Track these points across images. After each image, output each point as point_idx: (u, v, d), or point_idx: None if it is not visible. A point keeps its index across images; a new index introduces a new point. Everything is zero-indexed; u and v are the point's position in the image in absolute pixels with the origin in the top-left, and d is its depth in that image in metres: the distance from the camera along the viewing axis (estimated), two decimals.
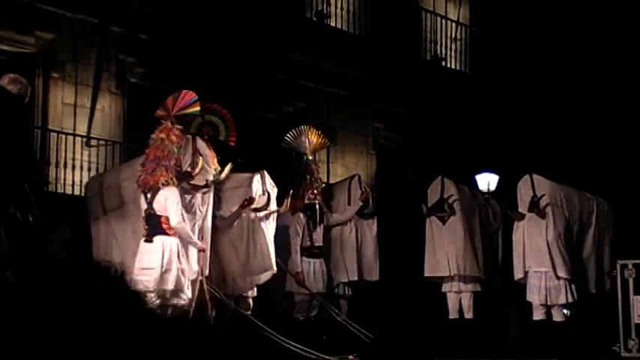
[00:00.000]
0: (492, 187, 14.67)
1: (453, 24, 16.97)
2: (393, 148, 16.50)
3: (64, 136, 11.75)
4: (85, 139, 12.10)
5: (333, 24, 15.03)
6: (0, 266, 5.72)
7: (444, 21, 16.86)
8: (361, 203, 10.59)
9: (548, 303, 10.23)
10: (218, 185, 9.04)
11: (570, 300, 10.27)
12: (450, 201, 10.80)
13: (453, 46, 17.00)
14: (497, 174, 14.78)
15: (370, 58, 15.26)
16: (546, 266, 10.18)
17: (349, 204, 10.69)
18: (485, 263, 10.91)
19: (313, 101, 14.96)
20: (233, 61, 13.45)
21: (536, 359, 9.22)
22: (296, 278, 9.91)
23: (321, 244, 10.18)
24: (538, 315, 10.29)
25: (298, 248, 10.03)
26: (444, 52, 16.84)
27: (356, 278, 10.52)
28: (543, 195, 10.39)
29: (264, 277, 9.46)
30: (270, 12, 13.82)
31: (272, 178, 9.75)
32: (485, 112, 16.21)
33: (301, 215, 10.11)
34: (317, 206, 10.18)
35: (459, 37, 17.03)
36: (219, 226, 9.26)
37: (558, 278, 10.20)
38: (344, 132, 15.52)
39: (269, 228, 9.50)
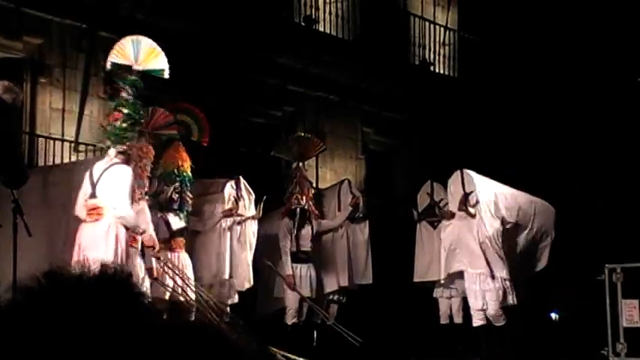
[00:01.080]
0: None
1: (442, 29, 17.01)
2: (383, 153, 16.52)
3: (52, 141, 11.72)
4: (73, 145, 12.06)
5: (321, 29, 15.04)
6: None
7: (432, 26, 16.89)
8: (351, 208, 10.61)
9: (486, 307, 9.92)
10: (193, 189, 9.13)
11: (513, 302, 9.91)
12: (440, 205, 10.77)
13: (442, 51, 17.03)
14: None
15: (359, 62, 15.27)
16: (481, 267, 9.84)
17: (339, 210, 10.71)
18: None
19: (302, 106, 14.96)
20: (222, 66, 13.44)
21: None
22: (287, 281, 9.94)
23: (308, 249, 10.20)
24: (478, 320, 9.98)
25: (288, 251, 10.06)
26: (432, 56, 16.87)
27: (347, 284, 10.54)
28: (472, 191, 10.06)
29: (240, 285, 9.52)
30: (259, 17, 13.82)
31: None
32: (475, 117, 16.24)
33: (287, 220, 10.15)
34: (298, 210, 10.19)
35: (447, 41, 17.07)
36: (198, 228, 9.37)
37: (494, 279, 9.83)
38: (333, 136, 15.52)
39: (240, 235, 9.54)
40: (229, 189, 9.51)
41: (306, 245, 10.21)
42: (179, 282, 8.89)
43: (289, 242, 10.08)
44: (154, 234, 8.18)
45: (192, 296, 9.08)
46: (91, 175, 7.59)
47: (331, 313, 10.39)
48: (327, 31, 15.11)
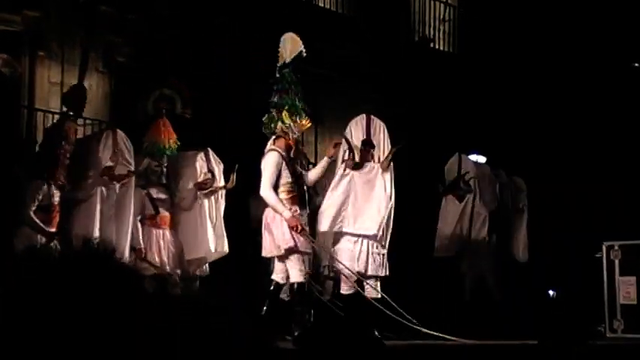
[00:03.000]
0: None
1: (442, 5, 16.95)
2: None
3: (50, 115, 11.69)
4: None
5: (321, 4, 14.99)
6: None
7: (432, 2, 16.83)
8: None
9: (367, 273, 8.76)
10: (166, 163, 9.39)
11: (384, 274, 8.83)
12: (466, 178, 10.52)
13: (442, 28, 16.98)
14: (484, 155, 14.80)
15: (358, 39, 15.23)
16: (372, 230, 8.70)
17: None
18: (503, 243, 10.71)
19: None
20: (220, 40, 13.40)
21: (515, 340, 9.21)
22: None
23: (306, 228, 10.19)
24: (347, 288, 8.87)
25: None
26: (432, 33, 16.82)
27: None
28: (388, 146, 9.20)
29: (211, 256, 9.59)
30: None
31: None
32: (474, 94, 16.21)
33: None
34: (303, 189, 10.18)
35: (447, 18, 17.01)
36: (179, 204, 9.50)
37: (382, 247, 8.77)
38: (332, 113, 15.50)
39: (216, 206, 9.61)
40: (200, 161, 9.60)
41: (304, 224, 10.19)
42: (165, 260, 9.05)
43: None
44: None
45: (179, 272, 9.26)
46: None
47: (327, 288, 10.40)
48: (327, 6, 15.06)
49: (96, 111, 12.39)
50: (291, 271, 8.20)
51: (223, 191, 9.70)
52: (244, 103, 14.11)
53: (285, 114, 8.36)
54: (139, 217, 9.22)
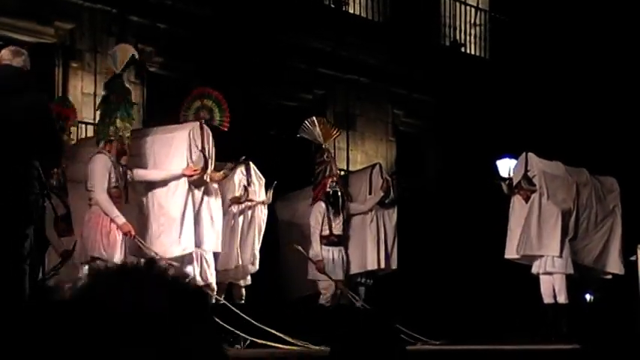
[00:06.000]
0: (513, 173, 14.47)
1: (473, 9, 16.89)
2: (413, 135, 16.46)
3: (83, 125, 11.78)
4: None
5: (351, 10, 14.99)
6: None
7: (463, 6, 16.78)
8: (382, 193, 10.57)
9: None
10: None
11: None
12: (529, 175, 10.29)
13: (473, 32, 16.91)
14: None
15: (389, 44, 15.21)
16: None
17: (370, 193, 10.67)
18: (579, 245, 10.41)
19: (332, 88, 14.93)
20: (251, 49, 13.44)
21: (553, 344, 9.14)
22: (317, 266, 9.93)
23: (340, 232, 10.17)
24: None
25: (318, 237, 10.04)
26: (463, 37, 16.76)
27: (375, 267, 10.51)
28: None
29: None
30: None
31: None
32: (505, 98, 16.12)
33: (322, 204, 10.12)
34: (338, 194, 10.17)
35: (478, 22, 16.94)
36: None
37: None
38: (363, 119, 15.49)
39: (251, 220, 9.49)
40: (239, 175, 9.47)
41: (339, 229, 10.19)
42: None
43: (321, 227, 10.07)
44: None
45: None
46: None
47: (359, 296, 10.37)
48: (357, 12, 15.06)
49: None
50: None
51: (265, 207, 9.60)
52: (279, 111, 14.16)
53: (118, 120, 8.37)
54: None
